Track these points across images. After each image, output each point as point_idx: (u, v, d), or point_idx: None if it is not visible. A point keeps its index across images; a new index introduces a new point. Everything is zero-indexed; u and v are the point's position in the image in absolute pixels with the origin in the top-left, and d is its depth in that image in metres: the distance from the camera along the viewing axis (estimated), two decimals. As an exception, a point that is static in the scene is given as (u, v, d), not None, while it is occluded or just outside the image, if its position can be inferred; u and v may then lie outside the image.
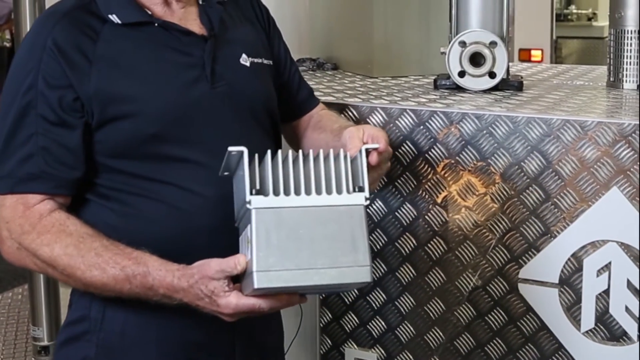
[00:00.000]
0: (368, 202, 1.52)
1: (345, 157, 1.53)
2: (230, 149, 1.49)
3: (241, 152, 1.49)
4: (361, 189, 1.51)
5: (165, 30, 1.70)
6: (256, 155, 1.49)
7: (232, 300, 1.52)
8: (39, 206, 1.62)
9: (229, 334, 1.71)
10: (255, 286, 1.45)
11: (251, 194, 1.46)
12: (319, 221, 1.48)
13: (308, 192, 1.49)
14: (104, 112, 1.63)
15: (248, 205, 1.46)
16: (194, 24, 1.75)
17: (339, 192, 1.50)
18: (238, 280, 1.53)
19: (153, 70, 1.68)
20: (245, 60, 1.79)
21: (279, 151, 1.51)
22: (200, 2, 1.79)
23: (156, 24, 1.70)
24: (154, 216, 1.66)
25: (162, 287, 1.56)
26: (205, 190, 1.66)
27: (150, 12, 1.71)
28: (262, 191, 1.47)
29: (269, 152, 1.50)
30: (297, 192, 1.49)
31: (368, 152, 1.59)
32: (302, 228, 1.47)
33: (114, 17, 1.68)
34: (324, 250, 1.47)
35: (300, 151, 1.52)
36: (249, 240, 1.48)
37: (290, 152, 1.50)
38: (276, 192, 1.47)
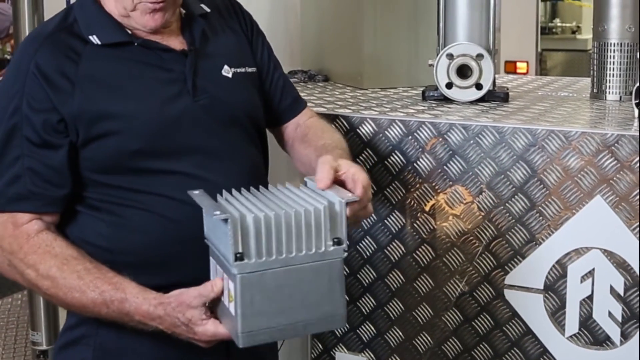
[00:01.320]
0: (346, 254, 1.53)
1: (324, 211, 1.51)
2: (214, 214, 1.46)
3: (225, 219, 1.45)
4: (340, 242, 1.52)
5: (145, 49, 1.72)
6: (238, 217, 1.46)
7: (210, 329, 1.55)
8: (27, 226, 1.64)
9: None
10: (241, 346, 1.49)
11: (235, 260, 1.46)
12: (300, 279, 1.50)
13: (290, 252, 1.49)
14: (88, 131, 1.65)
15: (233, 270, 1.46)
16: (175, 40, 1.76)
17: (319, 247, 1.51)
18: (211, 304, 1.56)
19: (135, 87, 1.69)
20: (227, 71, 1.80)
21: (262, 215, 1.47)
22: (183, 16, 1.80)
23: (136, 44, 1.71)
24: (144, 226, 1.68)
25: (137, 314, 1.58)
26: (192, 200, 1.68)
27: (130, 32, 1.72)
28: (245, 254, 1.46)
29: (251, 216, 1.47)
30: (280, 253, 1.48)
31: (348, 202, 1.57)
32: (284, 287, 1.49)
33: (94, 38, 1.69)
34: (304, 306, 1.50)
35: (283, 211, 1.48)
36: (232, 297, 1.49)
37: (273, 214, 1.47)
38: (259, 255, 1.47)
